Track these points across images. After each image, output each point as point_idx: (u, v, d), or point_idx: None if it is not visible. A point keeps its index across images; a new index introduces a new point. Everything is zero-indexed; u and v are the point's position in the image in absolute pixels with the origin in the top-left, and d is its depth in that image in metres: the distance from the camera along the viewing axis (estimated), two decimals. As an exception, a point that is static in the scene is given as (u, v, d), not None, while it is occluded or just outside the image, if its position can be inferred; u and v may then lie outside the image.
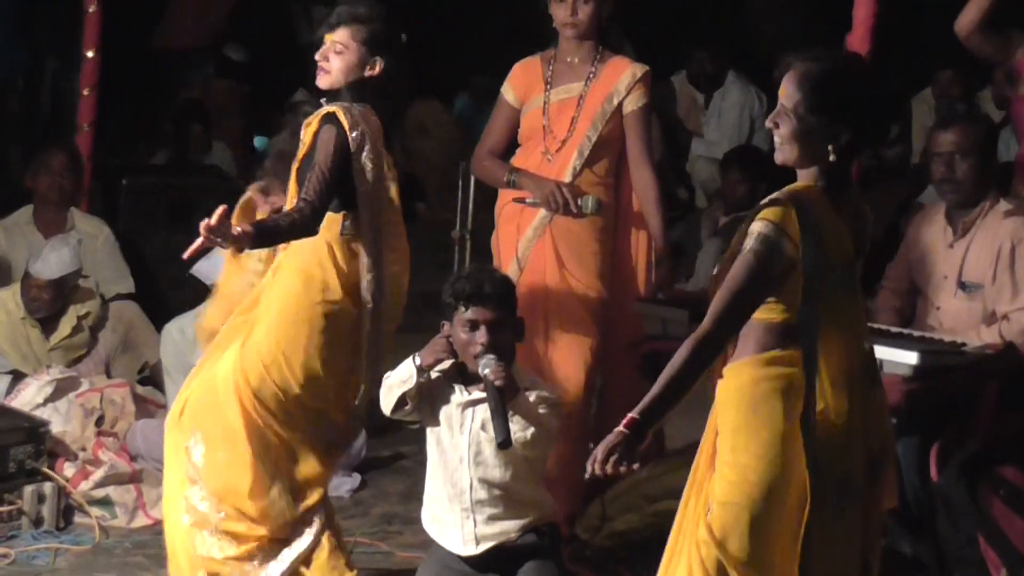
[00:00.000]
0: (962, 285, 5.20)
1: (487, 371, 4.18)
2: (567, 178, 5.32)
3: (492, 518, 4.30)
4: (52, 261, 6.51)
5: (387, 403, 4.37)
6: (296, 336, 4.62)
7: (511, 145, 5.55)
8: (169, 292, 7.29)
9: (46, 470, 5.79)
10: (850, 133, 3.61)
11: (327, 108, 4.63)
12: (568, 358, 5.33)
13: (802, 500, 3.56)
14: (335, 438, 4.80)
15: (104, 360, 6.69)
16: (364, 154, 4.60)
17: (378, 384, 4.48)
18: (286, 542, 4.72)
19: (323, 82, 4.72)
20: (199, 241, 4.27)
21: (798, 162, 3.66)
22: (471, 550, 4.31)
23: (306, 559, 4.72)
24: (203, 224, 4.23)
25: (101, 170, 7.86)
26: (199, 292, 6.35)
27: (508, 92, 5.50)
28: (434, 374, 4.35)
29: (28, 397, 6.18)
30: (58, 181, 7.16)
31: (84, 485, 5.86)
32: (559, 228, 5.33)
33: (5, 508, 5.65)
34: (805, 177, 3.67)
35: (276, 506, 4.69)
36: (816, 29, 8.73)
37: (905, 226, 5.78)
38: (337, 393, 4.72)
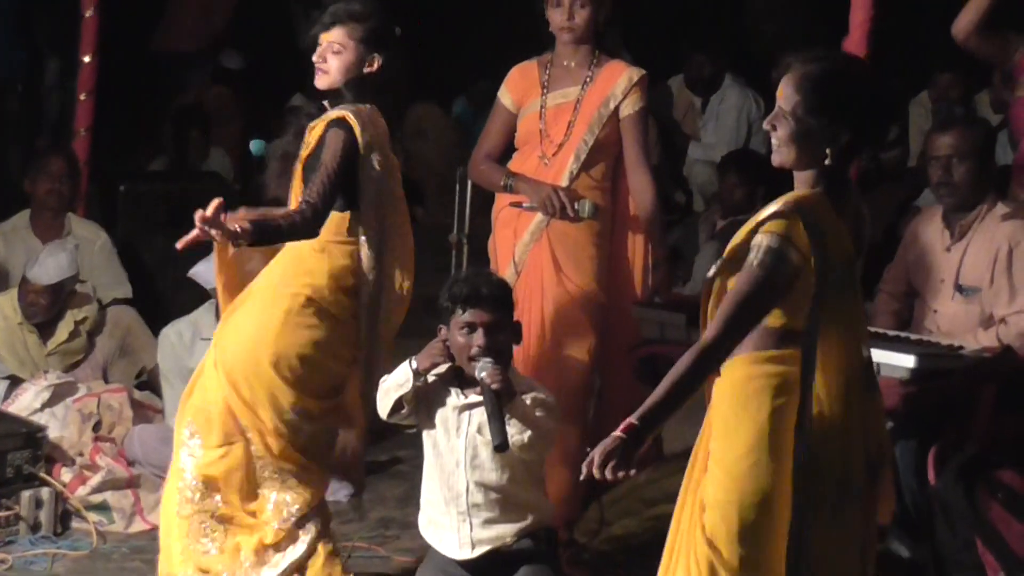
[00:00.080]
0: (959, 288, 5.20)
1: (484, 374, 4.18)
2: (564, 182, 5.31)
3: (488, 522, 4.30)
4: (49, 266, 6.51)
5: (383, 407, 4.37)
6: (268, 321, 4.61)
7: (508, 149, 5.55)
8: (167, 297, 7.28)
9: (43, 475, 5.79)
10: (849, 134, 3.61)
11: (335, 113, 4.61)
12: (565, 362, 5.33)
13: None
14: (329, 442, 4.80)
15: (102, 365, 6.69)
16: (374, 155, 4.59)
17: (375, 388, 4.48)
18: (279, 547, 4.71)
19: (322, 83, 4.71)
20: (194, 232, 4.25)
21: (795, 164, 3.66)
22: (467, 554, 4.31)
23: (300, 566, 4.71)
24: (198, 215, 4.21)
25: (99, 175, 7.86)
26: (197, 297, 6.36)
27: (505, 96, 5.50)
28: (430, 378, 4.35)
29: (25, 402, 6.18)
30: (56, 186, 7.17)
31: (82, 490, 5.86)
32: (556, 232, 5.33)
33: (2, 513, 5.66)
34: (802, 180, 3.66)
35: (265, 505, 4.68)
36: (815, 30, 8.73)
37: (903, 229, 5.78)
38: (324, 390, 4.70)
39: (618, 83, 5.35)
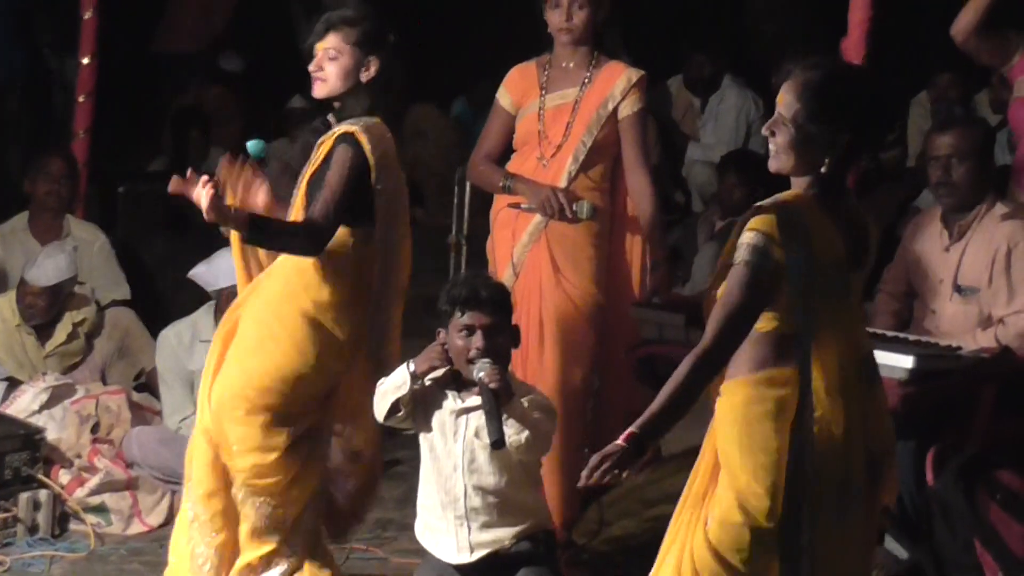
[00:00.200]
0: (958, 289, 5.19)
1: (482, 374, 4.18)
2: (562, 183, 5.31)
3: (486, 525, 4.29)
4: (48, 268, 6.50)
5: (380, 409, 4.37)
6: (268, 338, 4.59)
7: (507, 150, 5.55)
8: (166, 298, 7.28)
9: (42, 477, 5.79)
10: (848, 142, 3.61)
11: (343, 128, 4.57)
12: (564, 363, 5.33)
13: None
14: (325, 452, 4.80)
15: (100, 367, 6.68)
16: (385, 173, 4.55)
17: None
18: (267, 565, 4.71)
19: (320, 91, 4.66)
20: (189, 185, 4.25)
21: (793, 171, 3.66)
22: (466, 558, 4.30)
23: None
24: (203, 178, 4.22)
25: (98, 176, 7.86)
26: (196, 298, 6.35)
27: (504, 97, 5.49)
28: (427, 381, 4.34)
29: (24, 404, 6.17)
30: (56, 187, 7.16)
31: (80, 492, 5.86)
32: (555, 233, 5.32)
33: (0, 515, 5.65)
34: (798, 185, 3.67)
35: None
36: (814, 31, 8.72)
37: (902, 229, 5.77)
38: (308, 400, 4.69)
39: (617, 84, 5.35)
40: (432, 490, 4.35)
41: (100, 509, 5.88)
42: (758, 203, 3.61)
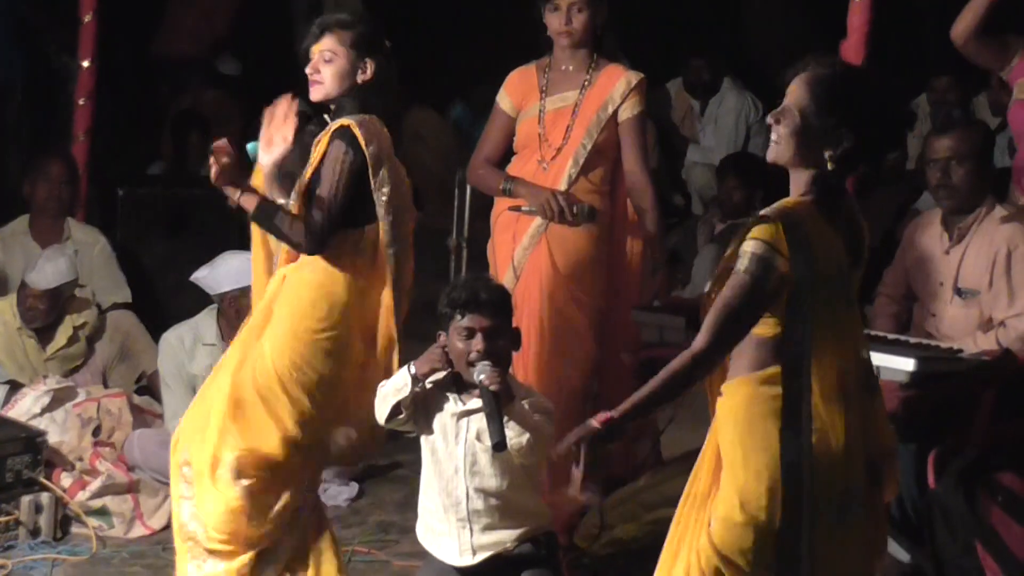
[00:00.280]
0: (958, 291, 5.19)
1: (482, 376, 4.18)
2: (562, 186, 5.32)
3: (488, 528, 4.29)
4: (48, 271, 6.51)
5: (381, 412, 4.36)
6: (291, 350, 4.58)
7: (507, 153, 5.55)
8: (166, 301, 7.28)
9: (43, 480, 5.79)
10: (851, 141, 3.60)
11: (339, 122, 4.56)
12: (564, 365, 5.33)
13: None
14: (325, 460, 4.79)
15: (101, 370, 6.68)
16: (383, 169, 4.55)
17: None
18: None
19: (317, 94, 4.66)
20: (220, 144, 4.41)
21: (792, 161, 3.64)
22: (467, 560, 4.29)
23: None
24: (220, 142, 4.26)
25: (98, 179, 7.86)
26: (197, 301, 6.36)
27: (504, 100, 5.50)
28: (428, 384, 4.35)
29: (25, 407, 6.18)
30: (56, 190, 7.17)
31: (81, 495, 5.86)
32: (555, 236, 5.33)
33: (2, 518, 5.66)
34: (797, 183, 3.66)
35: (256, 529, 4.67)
36: (813, 34, 8.72)
37: (901, 232, 5.78)
38: (328, 409, 4.68)
39: (616, 87, 5.35)
40: (434, 493, 4.35)
41: (102, 512, 5.88)
42: (761, 211, 3.61)
